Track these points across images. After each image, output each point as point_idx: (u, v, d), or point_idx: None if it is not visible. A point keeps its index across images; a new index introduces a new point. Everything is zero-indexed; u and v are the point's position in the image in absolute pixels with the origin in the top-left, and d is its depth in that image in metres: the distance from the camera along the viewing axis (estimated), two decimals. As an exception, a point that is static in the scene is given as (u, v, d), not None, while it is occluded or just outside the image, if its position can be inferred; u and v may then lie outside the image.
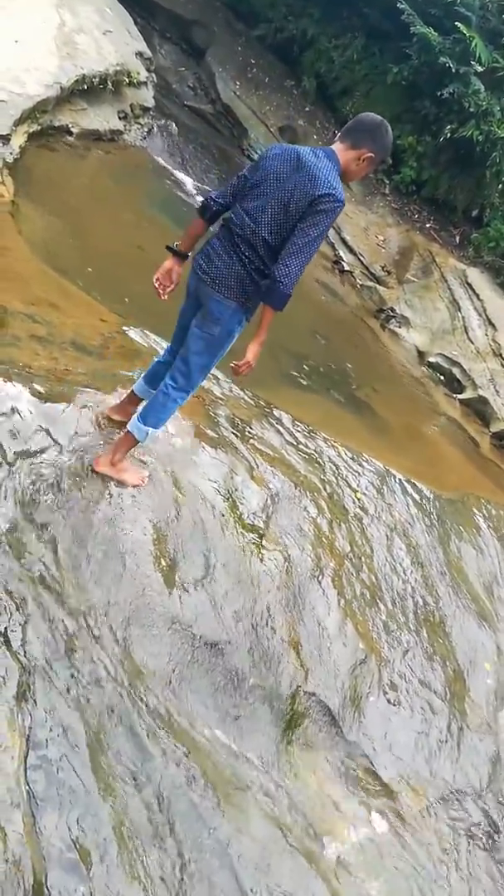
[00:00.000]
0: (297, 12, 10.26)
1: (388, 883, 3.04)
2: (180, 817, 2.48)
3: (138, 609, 2.89)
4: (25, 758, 2.20)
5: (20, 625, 2.46)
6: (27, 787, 2.15)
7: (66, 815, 2.20)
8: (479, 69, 8.87)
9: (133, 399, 3.25)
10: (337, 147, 2.75)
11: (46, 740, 2.29)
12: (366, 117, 2.79)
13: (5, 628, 2.42)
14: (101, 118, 7.34)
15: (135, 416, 3.02)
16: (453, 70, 8.84)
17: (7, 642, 2.40)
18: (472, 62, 8.84)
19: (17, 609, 2.49)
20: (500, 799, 3.76)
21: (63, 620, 2.61)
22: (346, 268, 9.13)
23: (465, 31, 8.77)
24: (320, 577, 3.70)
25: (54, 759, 2.27)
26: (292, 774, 3.10)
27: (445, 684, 3.94)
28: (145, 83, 8.18)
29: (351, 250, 9.25)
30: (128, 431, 3.00)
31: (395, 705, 3.63)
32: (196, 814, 2.53)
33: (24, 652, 2.41)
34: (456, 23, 8.82)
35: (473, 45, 8.80)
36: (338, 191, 2.67)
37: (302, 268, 2.68)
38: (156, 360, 3.23)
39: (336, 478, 4.42)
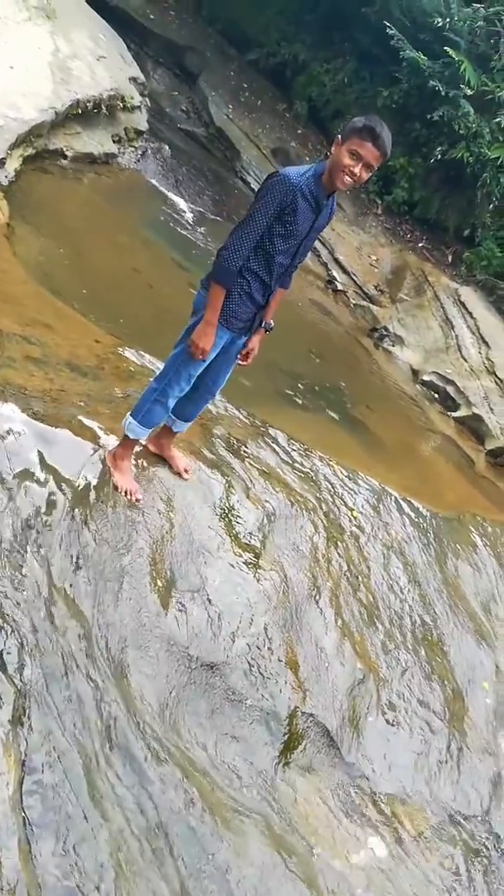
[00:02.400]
0: (289, 38, 10.45)
1: (389, 908, 3.00)
2: (178, 842, 2.44)
3: (135, 630, 2.87)
4: (21, 783, 2.17)
5: (16, 647, 2.44)
6: (23, 814, 2.12)
7: (62, 841, 2.16)
8: (469, 92, 9.03)
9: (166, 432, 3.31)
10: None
11: (42, 765, 2.25)
12: None
13: (1, 651, 2.40)
14: (95, 142, 7.43)
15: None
16: (443, 93, 8.99)
17: (2, 665, 2.37)
18: (462, 85, 8.99)
19: (13, 632, 2.47)
20: (501, 820, 3.72)
21: (59, 642, 2.58)
22: (340, 287, 9.21)
23: (454, 56, 8.93)
24: (317, 597, 3.69)
25: (50, 784, 2.24)
26: (291, 797, 3.06)
27: (444, 704, 3.91)
28: (139, 107, 8.29)
29: (344, 270, 9.33)
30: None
31: (393, 726, 3.60)
32: (194, 839, 2.49)
33: (20, 675, 2.38)
34: (445, 47, 8.99)
35: (462, 68, 8.96)
36: (285, 170, 2.62)
37: (239, 240, 2.66)
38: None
39: (332, 496, 4.41)
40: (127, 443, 3.12)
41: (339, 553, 4.05)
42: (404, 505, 4.96)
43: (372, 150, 2.53)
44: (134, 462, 3.27)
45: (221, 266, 2.69)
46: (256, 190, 2.69)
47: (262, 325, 2.99)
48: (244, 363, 3.08)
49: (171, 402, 3.04)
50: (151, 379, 3.09)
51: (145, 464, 3.35)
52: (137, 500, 3.15)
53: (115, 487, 3.11)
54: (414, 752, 3.60)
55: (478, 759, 3.85)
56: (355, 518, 4.42)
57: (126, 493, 3.12)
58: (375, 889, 3.01)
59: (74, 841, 2.18)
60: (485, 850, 3.54)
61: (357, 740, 3.40)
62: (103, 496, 3.07)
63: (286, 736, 3.16)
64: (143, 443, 3.35)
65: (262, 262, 2.74)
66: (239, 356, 3.05)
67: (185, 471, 3.41)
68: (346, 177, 2.58)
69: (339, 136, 2.59)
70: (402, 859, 3.20)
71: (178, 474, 3.40)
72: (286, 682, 3.26)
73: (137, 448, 3.28)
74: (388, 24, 9.14)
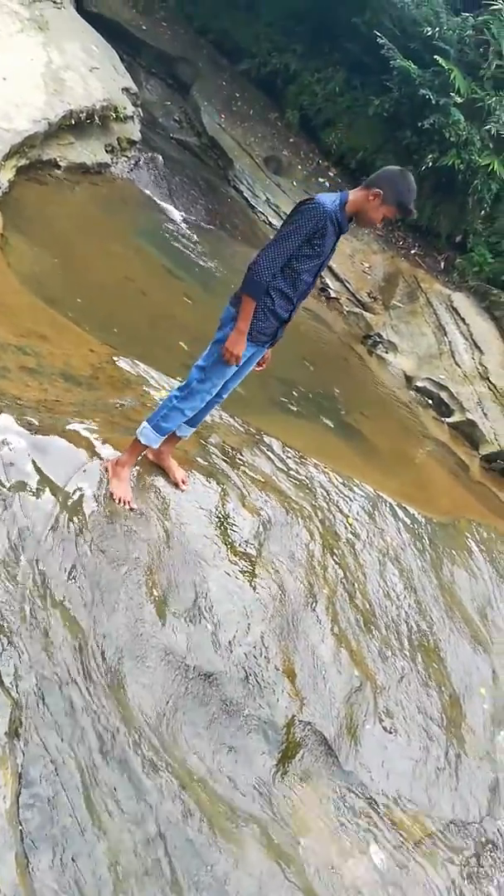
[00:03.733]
0: (281, 47, 10.52)
1: (388, 916, 2.99)
2: (177, 854, 2.43)
3: (131, 641, 2.86)
4: (18, 796, 2.16)
5: (11, 659, 2.43)
6: (20, 827, 2.11)
7: (60, 854, 2.15)
8: (459, 100, 9.10)
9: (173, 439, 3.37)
10: (352, 190, 2.92)
11: (39, 777, 2.25)
12: (386, 167, 2.98)
13: (-3, 663, 2.39)
14: (88, 152, 7.45)
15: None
16: (433, 101, 9.06)
17: (-2, 677, 2.37)
18: (452, 93, 9.06)
19: (9, 643, 2.46)
20: (500, 826, 3.72)
21: (55, 654, 2.58)
22: (333, 295, 9.24)
23: (444, 64, 9.00)
24: (314, 605, 3.69)
25: (47, 796, 2.23)
26: (289, 806, 3.05)
27: (442, 711, 3.91)
28: (132, 117, 8.33)
29: (337, 277, 9.37)
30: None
31: (391, 733, 3.60)
32: (193, 850, 2.48)
33: (16, 687, 2.38)
34: (435, 56, 9.06)
35: (452, 77, 9.03)
36: (318, 197, 2.85)
37: (269, 258, 2.85)
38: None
39: (327, 503, 4.42)
40: (134, 450, 3.18)
41: (334, 560, 4.05)
42: (399, 511, 4.97)
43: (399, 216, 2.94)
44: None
45: (252, 280, 2.87)
46: (289, 212, 2.92)
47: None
48: (259, 369, 3.28)
49: (189, 413, 3.14)
50: (173, 389, 3.20)
51: (142, 473, 3.35)
52: (132, 510, 3.15)
53: (111, 495, 3.12)
54: (412, 759, 3.60)
55: (476, 766, 3.85)
56: (351, 525, 4.42)
57: (121, 501, 3.13)
58: (375, 898, 3.00)
59: (72, 854, 2.17)
60: (484, 856, 3.54)
61: (355, 748, 3.40)
62: (99, 506, 3.07)
63: (284, 745, 3.15)
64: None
65: (289, 281, 2.93)
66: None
67: (183, 482, 3.43)
68: (370, 226, 3.02)
69: (380, 192, 2.82)
70: (401, 867, 3.19)
71: (175, 485, 3.41)
72: (283, 691, 3.26)
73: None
74: (378, 33, 9.22)
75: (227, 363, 2.98)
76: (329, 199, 2.85)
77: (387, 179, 2.84)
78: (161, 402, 3.19)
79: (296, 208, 2.89)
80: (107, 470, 3.18)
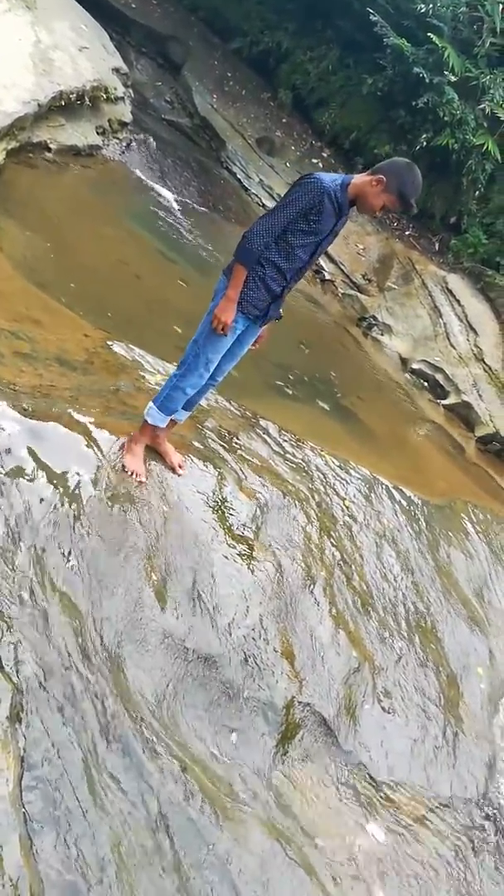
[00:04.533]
0: (273, 26, 10.39)
1: (389, 892, 3.03)
2: (179, 834, 2.45)
3: (131, 624, 2.87)
4: (20, 779, 2.17)
5: (12, 644, 2.44)
6: (23, 809, 2.13)
7: (63, 836, 2.17)
8: (453, 79, 9.00)
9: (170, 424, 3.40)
10: (357, 174, 2.94)
11: (42, 760, 2.26)
12: (395, 157, 3.01)
13: (-3, 648, 2.39)
14: (79, 134, 7.36)
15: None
16: (427, 80, 8.96)
17: (-1, 663, 2.37)
18: (446, 72, 8.97)
19: (9, 629, 2.47)
20: (498, 803, 3.77)
21: (55, 639, 2.58)
22: (328, 277, 9.19)
23: (437, 42, 8.90)
24: (312, 587, 3.70)
25: (50, 779, 2.24)
26: (289, 786, 3.08)
27: (439, 690, 3.95)
28: (122, 98, 8.22)
29: (331, 259, 9.32)
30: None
31: (389, 713, 3.63)
32: (195, 830, 2.51)
33: (17, 672, 2.38)
34: (428, 34, 8.95)
35: (446, 55, 8.93)
36: (319, 175, 2.85)
37: (262, 227, 2.86)
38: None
39: (324, 486, 4.43)
40: (145, 429, 3.25)
41: (332, 543, 4.06)
42: (396, 493, 4.98)
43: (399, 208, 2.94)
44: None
45: (244, 247, 2.88)
46: (289, 187, 2.94)
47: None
48: (254, 347, 3.28)
49: (190, 391, 3.17)
50: (174, 367, 3.26)
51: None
52: (141, 483, 3.22)
53: (123, 467, 3.20)
54: (410, 738, 3.64)
55: (473, 744, 3.89)
56: (347, 507, 4.43)
57: (132, 473, 3.21)
58: (376, 875, 3.04)
59: (75, 835, 2.19)
60: (482, 832, 3.58)
61: (354, 728, 3.43)
62: (96, 491, 3.07)
63: (283, 726, 3.18)
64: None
65: (283, 254, 2.93)
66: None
67: (179, 466, 3.43)
68: (369, 213, 2.99)
69: (385, 179, 2.82)
70: (400, 844, 3.23)
71: (172, 469, 3.41)
72: (282, 673, 3.28)
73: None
74: (371, 10, 9.10)
75: (215, 331, 2.98)
76: (329, 178, 2.85)
77: (393, 169, 2.85)
78: (166, 382, 3.24)
79: (295, 182, 2.90)
80: (122, 447, 3.25)
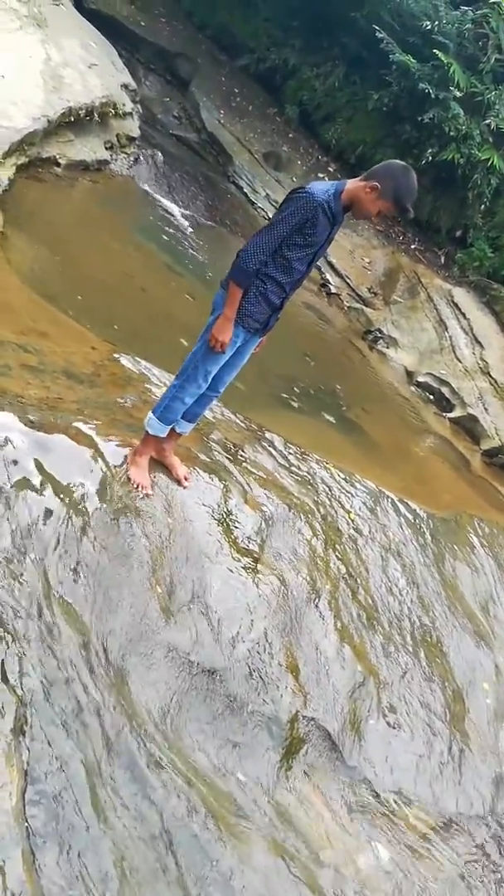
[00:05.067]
0: (279, 43, 10.49)
1: (393, 911, 3.00)
2: (182, 850, 2.44)
3: (135, 637, 2.87)
4: (24, 793, 2.17)
5: (16, 656, 2.44)
6: (26, 823, 2.12)
7: (66, 850, 2.16)
8: (458, 94, 9.06)
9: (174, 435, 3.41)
10: (351, 179, 2.90)
11: (45, 774, 2.25)
12: (389, 160, 2.96)
13: (1, 661, 2.39)
14: (87, 149, 7.43)
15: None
16: (433, 96, 9.02)
17: (3, 675, 2.37)
18: (451, 88, 9.03)
19: (14, 641, 2.47)
20: (504, 820, 3.73)
21: (60, 651, 2.58)
22: (333, 290, 9.23)
23: (443, 58, 8.97)
24: (317, 600, 3.69)
25: (53, 793, 2.23)
26: (294, 801, 3.06)
27: (445, 706, 3.92)
28: (131, 114, 8.30)
29: (337, 273, 9.35)
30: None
31: (395, 728, 3.61)
32: (198, 846, 2.49)
33: (21, 684, 2.38)
34: (434, 50, 9.02)
35: (452, 71, 9.00)
36: (309, 187, 2.83)
37: (258, 246, 2.86)
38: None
39: (329, 499, 4.42)
40: (147, 440, 3.26)
41: (337, 556, 4.05)
42: (401, 506, 4.97)
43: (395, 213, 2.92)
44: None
45: (239, 267, 2.89)
46: (282, 200, 2.93)
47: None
48: (256, 350, 3.28)
49: (189, 400, 3.18)
50: (173, 377, 3.27)
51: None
52: (147, 495, 3.21)
53: (129, 479, 3.21)
54: (416, 754, 3.61)
55: (480, 761, 3.85)
56: (353, 521, 4.43)
57: (137, 486, 3.21)
58: (380, 892, 3.01)
59: (78, 850, 2.18)
60: (488, 851, 3.55)
61: (359, 743, 3.41)
62: (102, 503, 3.07)
63: (288, 740, 3.16)
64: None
65: (280, 268, 2.93)
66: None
67: (185, 478, 3.44)
68: (365, 218, 2.96)
69: (380, 186, 2.78)
70: (405, 862, 3.20)
71: (178, 481, 3.41)
72: (287, 687, 3.27)
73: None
74: (377, 27, 9.18)
75: (213, 350, 2.99)
76: (322, 189, 2.82)
77: (387, 174, 2.81)
78: (165, 392, 3.25)
79: (287, 196, 2.88)
80: (125, 458, 3.26)
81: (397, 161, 2.92)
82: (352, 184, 2.85)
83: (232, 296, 2.91)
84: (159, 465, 3.41)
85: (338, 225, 2.95)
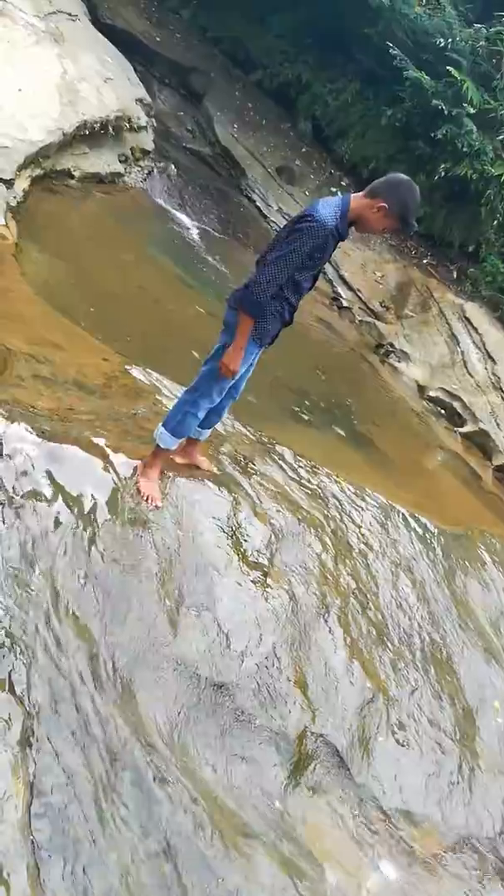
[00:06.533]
0: (293, 58, 10.56)
1: (401, 933, 2.95)
2: (188, 866, 2.41)
3: (143, 650, 2.85)
4: (30, 806, 2.15)
5: (24, 668, 2.43)
6: (31, 837, 2.11)
7: (71, 864, 2.14)
8: (471, 111, 9.10)
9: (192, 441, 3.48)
10: (355, 195, 2.88)
11: (51, 787, 2.24)
12: (392, 174, 2.92)
13: (9, 672, 2.39)
14: (102, 161, 7.51)
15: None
16: (446, 112, 9.06)
17: (10, 687, 2.36)
18: (464, 104, 9.06)
19: (21, 652, 2.46)
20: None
21: (66, 663, 2.57)
22: (345, 304, 9.23)
23: (456, 75, 9.01)
24: (326, 615, 3.67)
25: (59, 806, 2.22)
26: (301, 819, 3.02)
27: (455, 724, 3.87)
28: (145, 127, 8.39)
29: (349, 287, 9.37)
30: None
31: (404, 746, 3.57)
32: (204, 862, 2.47)
33: (28, 696, 2.38)
34: (448, 67, 9.06)
35: (465, 87, 9.04)
36: (318, 213, 2.79)
37: (270, 277, 2.85)
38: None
39: (340, 513, 4.40)
40: (158, 452, 3.26)
41: (347, 571, 4.03)
42: (412, 521, 4.94)
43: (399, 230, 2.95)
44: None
45: (253, 301, 2.89)
46: (290, 226, 2.88)
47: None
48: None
49: (202, 414, 3.21)
50: (183, 390, 3.28)
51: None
52: (157, 507, 3.22)
53: (139, 490, 3.21)
54: (425, 772, 3.56)
55: (490, 780, 3.80)
56: (363, 535, 4.40)
57: (147, 498, 3.21)
58: (387, 913, 2.97)
59: (83, 864, 2.17)
60: (499, 872, 3.49)
61: (367, 761, 3.37)
62: (111, 515, 3.07)
63: (295, 757, 3.13)
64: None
65: (292, 290, 2.97)
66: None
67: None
68: (370, 233, 2.98)
69: (387, 206, 2.77)
70: (413, 882, 3.15)
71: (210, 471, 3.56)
72: (295, 702, 3.24)
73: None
74: (390, 44, 9.24)
75: (224, 377, 3.05)
76: (330, 214, 2.79)
77: (393, 192, 2.79)
78: (174, 405, 3.26)
79: (295, 224, 2.85)
80: (135, 470, 3.27)
81: (400, 175, 2.89)
82: (356, 202, 2.83)
83: (244, 326, 2.93)
84: (173, 474, 3.42)
85: (341, 241, 2.98)
